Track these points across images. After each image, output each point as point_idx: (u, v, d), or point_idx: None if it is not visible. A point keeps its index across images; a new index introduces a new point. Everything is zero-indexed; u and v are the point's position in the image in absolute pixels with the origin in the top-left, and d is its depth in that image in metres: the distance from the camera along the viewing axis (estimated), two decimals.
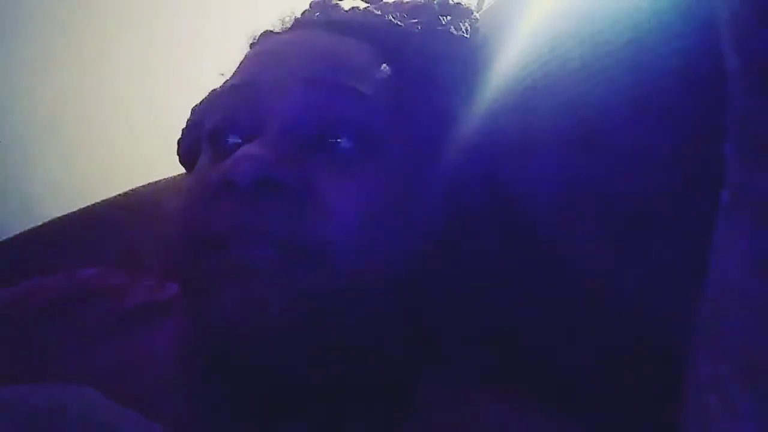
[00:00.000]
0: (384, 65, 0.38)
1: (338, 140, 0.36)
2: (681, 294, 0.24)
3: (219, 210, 0.34)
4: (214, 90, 0.44)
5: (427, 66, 0.39)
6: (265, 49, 0.41)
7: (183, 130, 0.46)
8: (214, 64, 0.45)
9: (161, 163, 0.56)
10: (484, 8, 0.45)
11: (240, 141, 0.36)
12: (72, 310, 0.43)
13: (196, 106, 0.46)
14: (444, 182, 0.38)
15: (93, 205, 0.64)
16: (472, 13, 0.43)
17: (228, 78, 0.42)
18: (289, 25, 0.43)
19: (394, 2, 0.43)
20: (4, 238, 0.62)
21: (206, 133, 0.39)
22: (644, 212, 0.30)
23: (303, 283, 0.33)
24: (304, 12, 0.43)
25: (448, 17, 0.41)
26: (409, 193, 0.37)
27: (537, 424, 0.36)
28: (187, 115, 0.47)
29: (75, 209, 0.63)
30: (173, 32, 0.96)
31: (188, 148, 0.44)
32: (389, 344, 0.37)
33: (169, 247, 0.39)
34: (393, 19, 0.40)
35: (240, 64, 0.42)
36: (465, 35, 0.41)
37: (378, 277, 0.35)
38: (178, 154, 0.46)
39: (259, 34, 0.44)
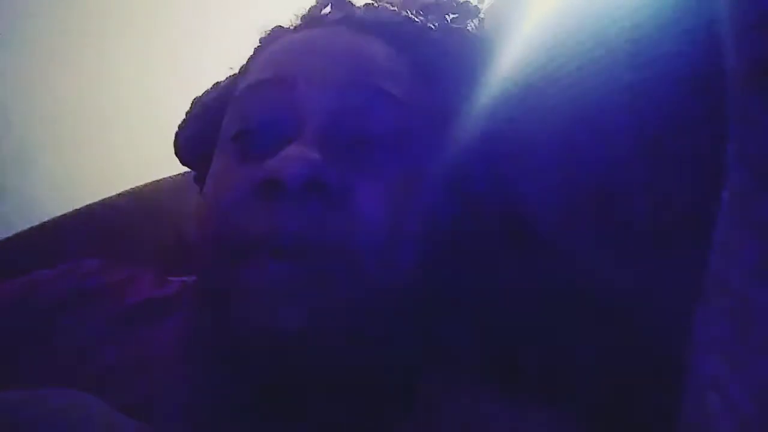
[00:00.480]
0: (407, 63, 0.38)
1: (374, 146, 0.35)
2: (681, 293, 0.24)
3: (262, 213, 0.33)
4: (218, 82, 0.44)
5: (443, 63, 0.39)
6: (289, 46, 0.40)
7: (182, 122, 0.45)
8: (214, 62, 0.45)
9: (162, 161, 0.56)
10: (484, 7, 0.45)
11: (275, 141, 0.35)
12: (76, 307, 0.43)
13: (197, 98, 0.45)
14: (451, 181, 0.38)
15: (94, 204, 0.64)
16: (480, 12, 0.43)
17: (242, 72, 0.41)
18: (300, 22, 0.43)
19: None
20: (4, 237, 0.62)
21: (231, 131, 0.38)
22: (644, 212, 0.30)
23: (342, 294, 0.33)
24: (313, 8, 0.43)
25: (457, 15, 0.41)
26: (426, 194, 0.37)
27: (537, 423, 0.36)
28: None
29: (75, 208, 0.63)
30: (174, 30, 0.96)
31: (191, 142, 0.44)
32: (392, 344, 0.38)
33: (195, 253, 0.38)
34: (409, 16, 0.40)
35: (256, 58, 0.41)
36: (477, 33, 0.41)
37: (399, 282, 0.35)
38: (175, 147, 0.45)
39: (271, 30, 0.43)
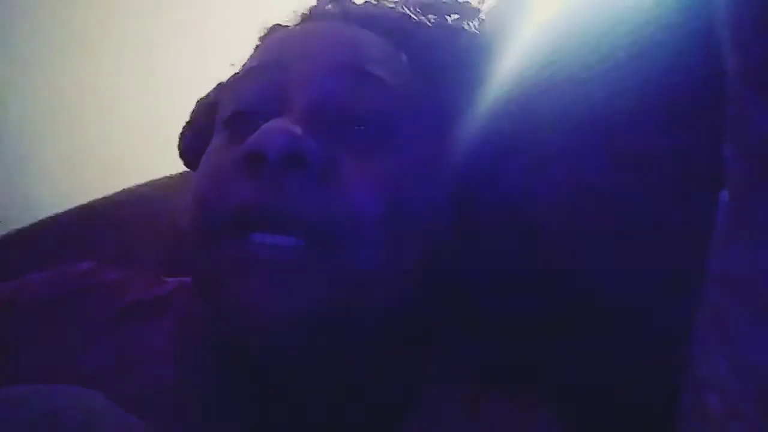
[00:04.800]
0: (403, 56, 0.38)
1: (360, 126, 0.35)
2: (681, 294, 0.24)
3: (243, 186, 0.33)
4: (222, 83, 0.44)
5: (440, 60, 0.40)
6: (286, 36, 0.41)
7: (185, 124, 0.45)
8: (214, 61, 0.45)
9: (160, 161, 0.56)
10: (485, 8, 0.45)
11: (264, 121, 0.34)
12: (67, 308, 0.42)
13: (201, 99, 0.45)
14: (451, 180, 0.38)
15: (92, 201, 0.64)
16: (480, 12, 0.43)
17: (241, 66, 0.41)
18: (301, 18, 0.43)
19: None
20: (3, 234, 0.62)
21: (224, 115, 0.38)
22: (645, 212, 0.30)
23: (325, 272, 0.33)
24: (315, 5, 0.43)
25: (457, 14, 0.41)
26: (422, 187, 0.37)
27: (537, 424, 0.36)
28: (188, 113, 0.46)
29: (72, 206, 0.63)
30: (174, 29, 0.96)
31: (194, 143, 0.44)
32: (392, 343, 0.38)
33: (182, 234, 0.38)
34: (407, 13, 0.40)
35: (256, 49, 0.42)
36: (475, 32, 0.41)
37: (392, 269, 0.35)
38: (179, 148, 0.45)
39: (270, 26, 0.44)
